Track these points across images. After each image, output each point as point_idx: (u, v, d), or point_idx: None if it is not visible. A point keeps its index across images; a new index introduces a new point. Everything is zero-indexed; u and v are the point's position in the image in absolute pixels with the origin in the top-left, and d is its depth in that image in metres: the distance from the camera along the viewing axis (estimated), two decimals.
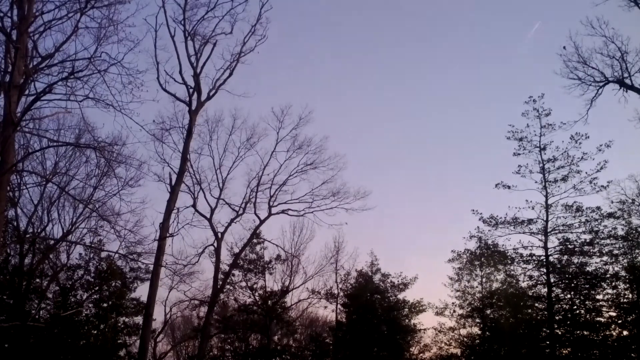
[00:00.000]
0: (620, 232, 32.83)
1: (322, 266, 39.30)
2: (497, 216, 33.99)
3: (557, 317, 33.20)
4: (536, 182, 33.15)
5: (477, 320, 38.12)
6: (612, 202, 33.26)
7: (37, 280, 33.55)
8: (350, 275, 40.65)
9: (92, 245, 33.79)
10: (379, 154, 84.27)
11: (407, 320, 40.22)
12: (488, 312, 37.59)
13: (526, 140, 33.24)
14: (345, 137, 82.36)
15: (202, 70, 27.84)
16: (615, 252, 32.91)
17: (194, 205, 32.22)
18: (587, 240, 32.61)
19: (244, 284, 39.80)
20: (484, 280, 39.07)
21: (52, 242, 30.53)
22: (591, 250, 32.80)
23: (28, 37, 17.08)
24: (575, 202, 32.62)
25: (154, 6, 35.04)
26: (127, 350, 39.06)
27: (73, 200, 28.72)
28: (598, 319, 33.02)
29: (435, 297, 61.99)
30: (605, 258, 32.87)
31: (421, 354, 40.73)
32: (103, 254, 36.62)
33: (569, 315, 33.36)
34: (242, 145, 33.97)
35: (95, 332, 37.92)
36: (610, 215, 32.36)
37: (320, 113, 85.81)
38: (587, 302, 33.42)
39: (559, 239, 33.24)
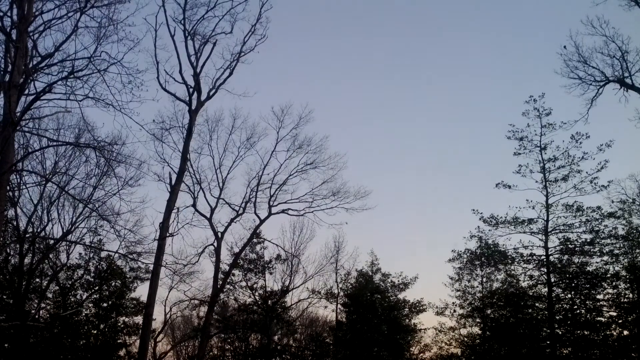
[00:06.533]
0: (621, 232, 32.82)
1: (322, 266, 39.30)
2: (497, 216, 33.99)
3: (557, 317, 33.17)
4: (536, 181, 33.16)
5: (478, 320, 38.14)
6: (613, 201, 33.30)
7: (37, 280, 33.49)
8: (350, 275, 40.75)
9: (92, 245, 33.76)
10: (379, 153, 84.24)
11: (407, 320, 40.26)
12: (488, 311, 37.59)
13: (527, 139, 33.24)
14: (346, 137, 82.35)
15: (202, 70, 27.91)
16: (616, 251, 32.88)
17: (194, 205, 32.19)
18: (588, 240, 32.56)
19: (244, 283, 39.85)
20: (484, 280, 39.14)
21: (52, 241, 30.44)
22: (592, 250, 32.76)
23: (28, 37, 17.06)
24: (575, 201, 32.60)
25: (154, 5, 35.18)
26: (127, 350, 39.02)
27: (73, 199, 28.65)
28: (598, 318, 32.97)
29: (436, 297, 62.24)
30: (605, 258, 32.85)
31: (421, 354, 40.83)
32: (103, 254, 36.58)
33: (570, 315, 33.34)
34: (242, 144, 33.91)
35: (95, 332, 37.87)
36: (611, 215, 32.30)
37: (320, 112, 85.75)
38: (587, 302, 33.39)
39: (559, 239, 33.24)
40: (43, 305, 35.03)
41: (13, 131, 16.44)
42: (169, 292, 38.35)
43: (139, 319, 38.00)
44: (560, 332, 33.04)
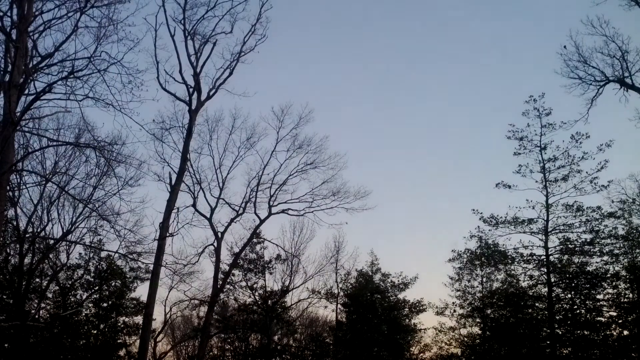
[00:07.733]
0: (621, 232, 32.77)
1: (322, 266, 39.28)
2: (497, 216, 33.95)
3: (557, 317, 33.16)
4: (537, 181, 33.12)
5: (478, 320, 38.13)
6: (613, 201, 33.26)
7: (37, 280, 33.50)
8: (350, 275, 40.74)
9: (92, 245, 33.74)
10: (379, 153, 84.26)
11: (407, 320, 40.25)
12: (488, 311, 37.58)
13: (527, 139, 33.21)
14: (346, 137, 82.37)
15: (202, 70, 27.97)
16: (616, 251, 32.86)
17: (194, 205, 32.19)
18: (588, 240, 32.54)
19: (244, 283, 39.84)
20: (484, 279, 39.13)
21: (52, 241, 30.44)
22: (592, 250, 32.73)
23: (28, 37, 17.07)
24: (575, 201, 32.56)
25: (154, 5, 35.24)
26: (127, 350, 39.04)
27: (73, 199, 28.65)
28: (598, 318, 32.95)
29: (436, 297, 62.10)
30: (605, 258, 32.81)
31: (421, 354, 40.81)
32: (103, 254, 36.62)
33: (570, 315, 33.33)
34: (242, 144, 33.91)
35: (95, 332, 37.90)
36: (611, 214, 32.27)
37: (320, 112, 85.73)
38: (587, 302, 33.37)
39: (559, 239, 33.20)
40: (43, 305, 35.07)
41: (13, 131, 16.44)
42: (169, 292, 38.44)
43: (139, 319, 38.02)
44: (560, 332, 33.03)
